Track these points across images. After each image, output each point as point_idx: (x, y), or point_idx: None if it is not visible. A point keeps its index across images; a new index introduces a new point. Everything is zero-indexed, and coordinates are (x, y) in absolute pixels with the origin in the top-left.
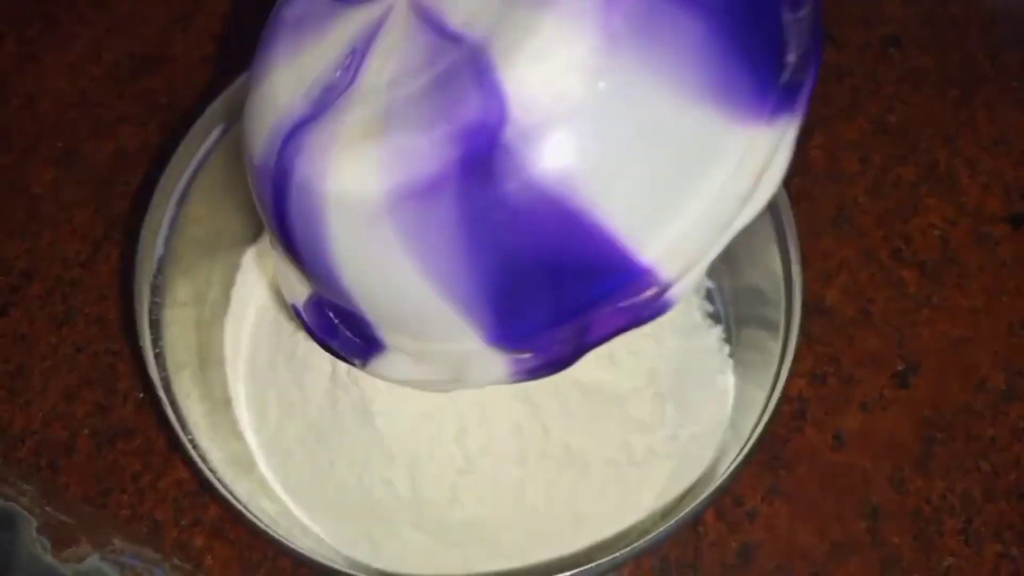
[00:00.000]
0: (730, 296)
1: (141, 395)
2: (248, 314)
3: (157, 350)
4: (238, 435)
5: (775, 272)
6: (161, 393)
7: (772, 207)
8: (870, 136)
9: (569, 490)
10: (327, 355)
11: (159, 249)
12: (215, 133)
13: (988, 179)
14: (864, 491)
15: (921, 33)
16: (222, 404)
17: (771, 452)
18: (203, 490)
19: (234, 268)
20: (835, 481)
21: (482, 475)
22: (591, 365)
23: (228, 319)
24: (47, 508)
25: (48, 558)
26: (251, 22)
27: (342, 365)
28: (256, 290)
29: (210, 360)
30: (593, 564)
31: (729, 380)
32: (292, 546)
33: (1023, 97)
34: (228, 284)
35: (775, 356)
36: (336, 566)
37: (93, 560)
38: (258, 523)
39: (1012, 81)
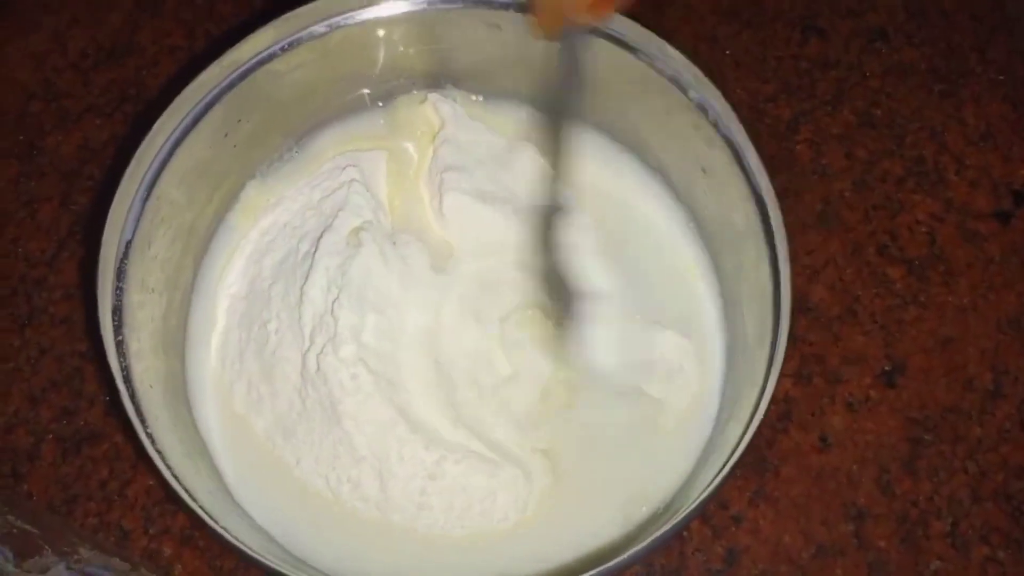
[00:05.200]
0: (717, 298)
1: (108, 398)
2: (218, 304)
3: (120, 337)
4: (199, 428)
5: (763, 278)
6: (121, 385)
7: (761, 209)
8: (856, 130)
9: (545, 501)
10: (299, 348)
11: (127, 233)
12: (189, 118)
13: (975, 174)
14: (850, 493)
15: (908, 25)
16: (184, 397)
17: (756, 454)
18: (170, 499)
19: (207, 255)
20: (821, 483)
21: (452, 482)
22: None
23: (195, 308)
24: (9, 517)
25: (11, 568)
26: (221, 8)
27: (311, 360)
28: (229, 277)
29: (175, 349)
30: None
31: (716, 383)
32: (259, 557)
33: (1010, 91)
34: (200, 271)
35: (763, 361)
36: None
37: (58, 571)
38: (227, 536)
39: (999, 74)
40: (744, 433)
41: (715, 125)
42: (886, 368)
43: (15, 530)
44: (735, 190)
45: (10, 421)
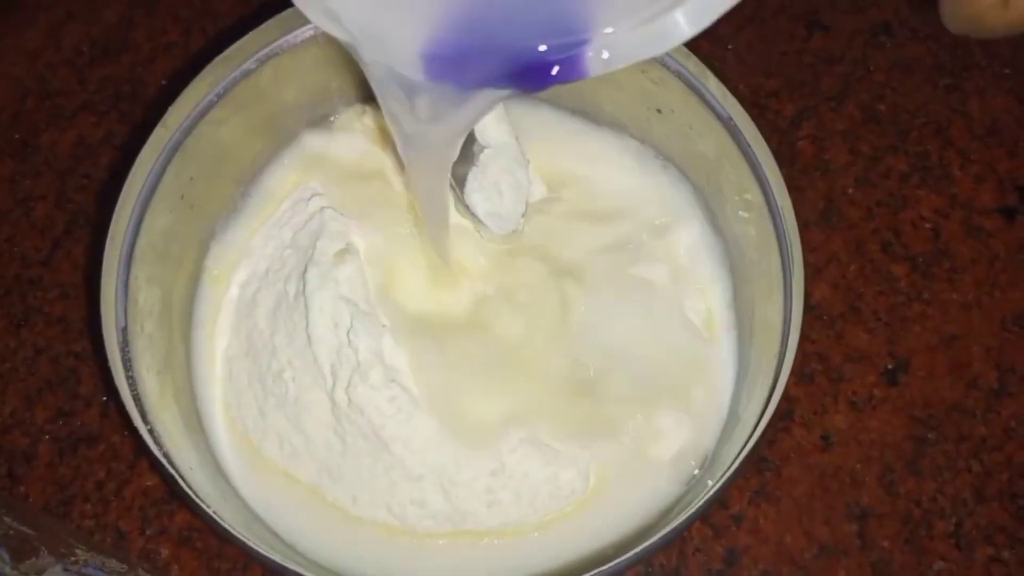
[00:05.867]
0: (728, 300)
1: (105, 399)
2: (218, 370)
3: (149, 426)
4: (241, 494)
5: (751, 193)
6: (172, 471)
7: (730, 129)
8: (860, 125)
9: (603, 465)
10: (323, 389)
11: (120, 320)
12: (147, 188)
13: (980, 170)
14: (853, 493)
15: (912, 19)
16: (216, 468)
17: (757, 453)
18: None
19: (191, 325)
20: (823, 483)
21: (514, 471)
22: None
23: (197, 380)
24: (5, 519)
25: (7, 570)
26: (218, 6)
27: (340, 395)
28: (221, 342)
29: (195, 424)
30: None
31: (728, 382)
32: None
33: (1016, 85)
34: (191, 344)
35: (772, 363)
36: None
37: (55, 572)
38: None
39: (1005, 68)
40: (750, 436)
41: (664, 64)
42: (889, 366)
43: (11, 531)
44: (698, 121)
45: (6, 422)
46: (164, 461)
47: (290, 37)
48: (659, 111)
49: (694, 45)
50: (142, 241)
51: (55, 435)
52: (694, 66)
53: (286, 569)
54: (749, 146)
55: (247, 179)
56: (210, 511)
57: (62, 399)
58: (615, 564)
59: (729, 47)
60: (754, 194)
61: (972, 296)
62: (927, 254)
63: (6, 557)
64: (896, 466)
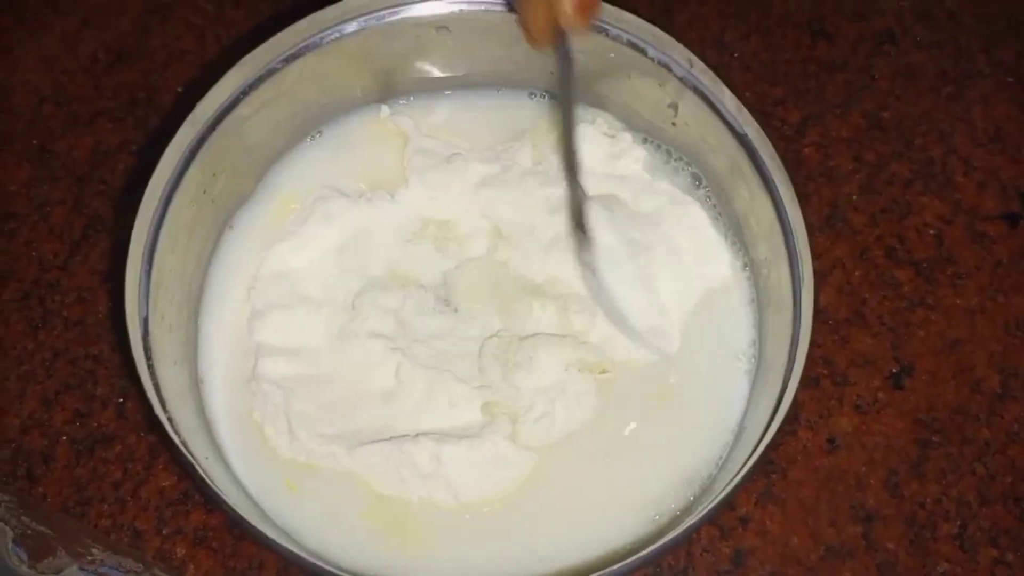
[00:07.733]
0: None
1: (121, 400)
2: (221, 352)
3: (168, 414)
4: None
5: (763, 211)
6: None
7: (745, 144)
8: (864, 132)
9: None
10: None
11: (143, 308)
12: (171, 183)
13: (984, 176)
14: (858, 495)
15: (915, 27)
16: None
17: (764, 456)
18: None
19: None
20: (829, 485)
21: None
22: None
23: (201, 362)
24: (24, 518)
25: (25, 569)
26: (231, 13)
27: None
28: (227, 324)
29: (201, 411)
30: None
31: (742, 388)
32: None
33: (1018, 93)
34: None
35: (781, 367)
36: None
37: (72, 571)
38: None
39: (1008, 76)
40: (760, 440)
41: (682, 80)
42: (894, 370)
43: (29, 531)
44: (712, 134)
45: (25, 424)
46: (183, 449)
47: (316, 38)
48: (674, 124)
49: (700, 53)
50: (164, 233)
51: (72, 436)
52: (710, 80)
53: (301, 559)
54: (764, 163)
55: (263, 173)
56: (224, 498)
57: (79, 401)
58: (624, 565)
59: (735, 55)
60: (765, 209)
61: (976, 301)
62: (931, 260)
63: (24, 556)
64: (901, 469)
